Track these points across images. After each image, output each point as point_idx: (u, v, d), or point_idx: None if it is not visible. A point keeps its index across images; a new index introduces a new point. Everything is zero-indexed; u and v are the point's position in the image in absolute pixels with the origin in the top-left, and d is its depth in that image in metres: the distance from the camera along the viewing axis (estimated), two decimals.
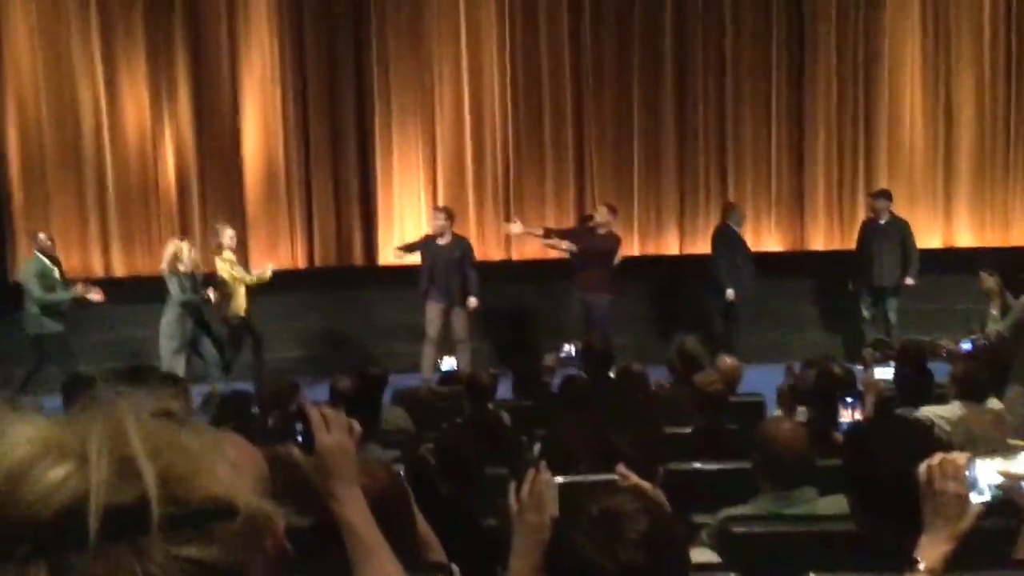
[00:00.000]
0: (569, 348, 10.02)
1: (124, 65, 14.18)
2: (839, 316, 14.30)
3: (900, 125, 15.54)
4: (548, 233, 13.43)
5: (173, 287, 11.93)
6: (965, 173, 15.59)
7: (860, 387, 7.49)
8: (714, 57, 15.43)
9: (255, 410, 7.40)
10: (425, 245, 12.97)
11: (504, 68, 15.23)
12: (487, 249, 13.73)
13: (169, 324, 11.95)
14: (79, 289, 11.87)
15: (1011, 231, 15.54)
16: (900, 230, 13.70)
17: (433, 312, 12.76)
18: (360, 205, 15.06)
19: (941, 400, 7.10)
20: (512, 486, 3.00)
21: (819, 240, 15.46)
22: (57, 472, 1.00)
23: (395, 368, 12.79)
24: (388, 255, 14.77)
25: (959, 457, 2.57)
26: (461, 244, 12.99)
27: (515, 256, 15.15)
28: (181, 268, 11.97)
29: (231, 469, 1.06)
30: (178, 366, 11.69)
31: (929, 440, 3.71)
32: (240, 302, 12.34)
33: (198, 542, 1.03)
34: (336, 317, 14.13)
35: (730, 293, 13.38)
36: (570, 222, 14.74)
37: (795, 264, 14.60)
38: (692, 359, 8.56)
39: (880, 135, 15.53)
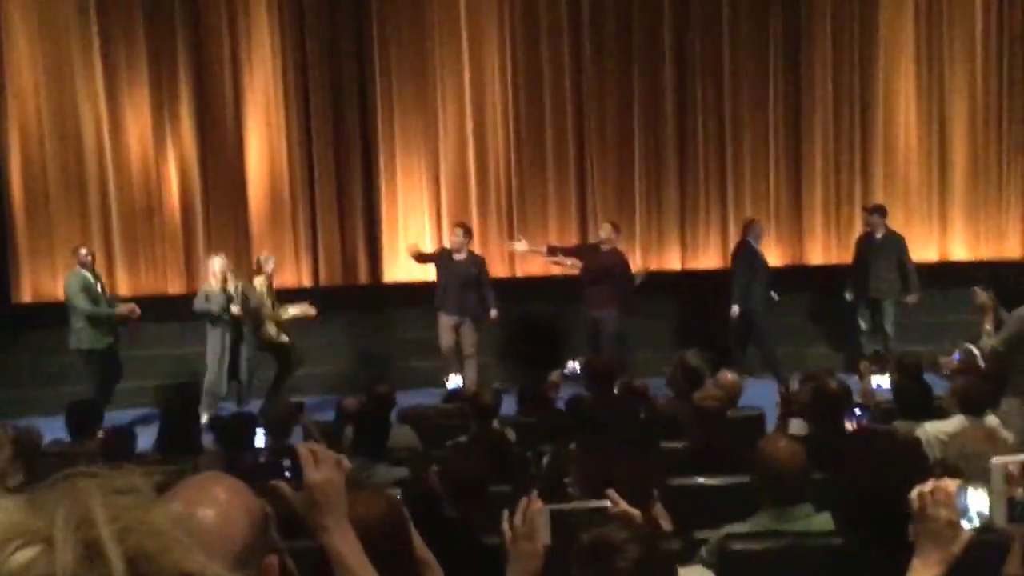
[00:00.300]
0: (574, 365, 10.02)
1: (126, 85, 14.19)
2: (837, 329, 14.33)
3: (895, 142, 15.58)
4: (552, 251, 13.50)
5: (215, 302, 12.06)
6: (959, 188, 15.62)
7: (857, 399, 7.50)
8: (713, 76, 15.47)
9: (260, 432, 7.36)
10: (441, 259, 13.12)
11: (506, 87, 15.25)
12: (491, 266, 13.71)
13: (211, 339, 12.14)
14: (122, 309, 12.05)
15: (1005, 244, 15.56)
16: (895, 245, 13.74)
17: (445, 325, 12.90)
18: (364, 224, 15.05)
19: (939, 413, 7.09)
20: (505, 514, 3.02)
21: (817, 254, 15.48)
22: (23, 556, 0.99)
23: (406, 385, 12.93)
24: (394, 273, 14.81)
25: (950, 484, 2.58)
26: (477, 261, 13.17)
27: (519, 273, 15.15)
28: (216, 284, 12.13)
29: (203, 544, 1.05)
30: (221, 382, 11.98)
31: (913, 457, 3.74)
32: (270, 328, 12.55)
33: None
34: (343, 335, 14.13)
35: (734, 310, 13.43)
36: (572, 239, 14.78)
37: (794, 278, 14.58)
38: (694, 374, 8.55)
39: (876, 152, 15.57)
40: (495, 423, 7.93)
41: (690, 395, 7.91)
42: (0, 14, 13.77)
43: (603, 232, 13.31)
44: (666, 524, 4.70)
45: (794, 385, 8.87)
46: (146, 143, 14.28)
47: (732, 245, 15.29)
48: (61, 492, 1.05)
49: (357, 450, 6.75)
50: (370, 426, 6.87)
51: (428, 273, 13.72)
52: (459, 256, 13.03)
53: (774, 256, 15.08)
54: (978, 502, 2.46)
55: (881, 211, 13.87)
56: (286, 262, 14.43)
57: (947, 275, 14.23)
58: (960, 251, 15.59)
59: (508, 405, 9.10)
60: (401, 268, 14.81)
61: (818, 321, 14.63)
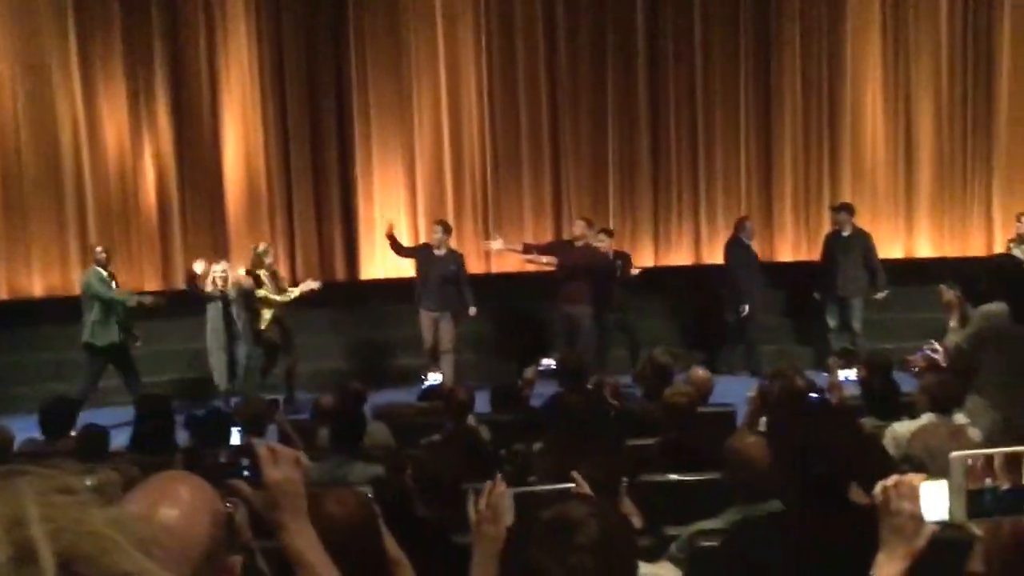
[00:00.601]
0: (548, 361, 10.00)
1: (102, 80, 14.14)
2: (806, 326, 14.35)
3: (863, 142, 15.68)
4: (528, 248, 13.53)
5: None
6: (925, 187, 15.71)
7: (824, 394, 7.50)
8: (685, 78, 15.55)
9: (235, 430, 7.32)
10: (421, 254, 13.20)
11: (481, 86, 15.28)
12: (467, 263, 13.72)
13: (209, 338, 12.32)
14: (147, 299, 12.22)
15: (969, 241, 15.64)
16: (862, 242, 13.79)
17: (428, 321, 12.95)
18: (342, 221, 15.08)
19: (908, 410, 7.09)
20: (470, 497, 3.02)
21: (787, 252, 15.53)
22: None
23: (390, 383, 12.95)
24: (371, 270, 14.78)
25: (915, 478, 2.58)
26: (456, 257, 13.24)
27: (495, 269, 15.16)
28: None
29: (165, 543, 1.02)
30: (220, 368, 12.20)
31: (852, 423, 3.81)
32: (265, 316, 12.60)
33: None
34: (323, 333, 14.09)
35: (744, 308, 13.52)
36: (548, 236, 14.82)
37: (764, 275, 14.62)
38: (662, 371, 8.55)
39: (844, 152, 15.67)
40: (471, 420, 7.92)
41: (660, 392, 7.91)
42: None
43: (577, 228, 13.36)
44: (636, 520, 4.69)
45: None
46: (123, 139, 14.23)
47: (704, 242, 15.39)
48: None
49: (334, 448, 6.73)
50: (346, 424, 6.84)
51: (404, 269, 13.74)
52: (439, 252, 13.08)
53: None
54: (939, 497, 2.47)
55: (848, 209, 13.92)
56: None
57: (913, 272, 14.27)
58: (925, 249, 15.68)
59: (485, 402, 9.10)
60: (378, 265, 14.82)
61: (787, 318, 14.68)
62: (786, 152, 15.59)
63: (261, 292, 12.49)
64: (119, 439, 7.96)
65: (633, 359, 12.86)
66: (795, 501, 3.41)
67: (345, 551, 2.70)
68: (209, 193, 14.65)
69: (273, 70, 14.76)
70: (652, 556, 4.58)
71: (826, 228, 14.57)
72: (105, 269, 12.24)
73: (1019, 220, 13.08)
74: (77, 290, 12.55)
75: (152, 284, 14.13)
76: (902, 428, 6.30)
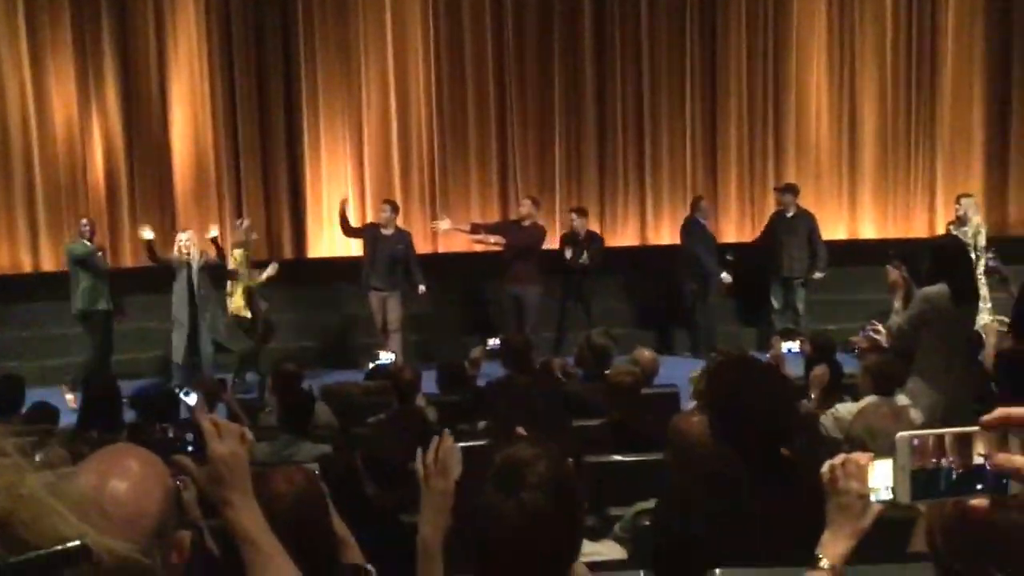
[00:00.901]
0: (495, 341, 10.02)
1: (51, 61, 14.05)
2: (750, 307, 14.42)
3: (807, 124, 15.74)
4: (475, 228, 13.53)
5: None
6: (869, 168, 15.80)
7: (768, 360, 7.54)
8: (631, 60, 15.56)
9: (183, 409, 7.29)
10: (369, 233, 13.15)
11: (429, 68, 15.25)
12: (415, 243, 13.68)
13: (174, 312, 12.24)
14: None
15: (912, 223, 15.75)
16: (806, 223, 13.85)
17: (376, 301, 12.95)
18: (289, 200, 15.05)
19: (851, 392, 7.14)
20: (418, 452, 3.05)
21: (731, 232, 15.60)
22: None
23: (335, 362, 12.93)
24: (318, 249, 14.75)
25: (861, 457, 2.61)
26: (404, 236, 13.20)
27: (442, 249, 15.16)
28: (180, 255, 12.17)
29: (116, 516, 1.01)
30: (179, 341, 12.07)
31: (781, 381, 3.91)
32: (237, 301, 12.52)
33: None
34: (274, 312, 13.98)
35: (726, 276, 13.69)
36: (495, 216, 14.81)
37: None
38: (601, 351, 8.56)
39: (788, 134, 15.74)
40: (420, 400, 7.94)
41: (600, 374, 7.96)
42: None
43: (524, 208, 13.39)
44: None
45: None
46: (71, 117, 14.16)
47: (650, 223, 15.43)
48: None
49: (281, 428, 6.73)
50: (292, 404, 6.84)
51: (353, 248, 13.70)
52: (387, 231, 13.05)
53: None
54: (885, 477, 2.50)
55: (793, 190, 13.99)
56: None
57: (856, 253, 14.37)
58: (869, 229, 15.78)
59: (431, 382, 9.11)
60: (326, 243, 14.79)
61: (731, 299, 14.75)
62: (731, 131, 15.66)
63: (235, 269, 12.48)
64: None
65: None
66: (728, 464, 3.46)
67: (292, 528, 2.71)
68: (157, 172, 14.59)
69: (221, 49, 14.68)
70: (597, 535, 4.63)
71: (771, 208, 14.66)
72: (90, 242, 12.30)
73: (957, 203, 13.16)
74: (27, 267, 12.46)
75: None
76: (844, 409, 6.32)
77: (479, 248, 13.79)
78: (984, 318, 11.04)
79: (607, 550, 4.27)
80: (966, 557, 2.05)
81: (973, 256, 10.81)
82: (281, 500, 3.03)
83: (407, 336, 13.17)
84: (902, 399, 6.50)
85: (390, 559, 3.53)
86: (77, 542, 1.02)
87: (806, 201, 14.21)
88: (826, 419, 6.44)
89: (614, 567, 4.07)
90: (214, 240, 12.35)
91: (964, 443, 1.60)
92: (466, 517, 2.38)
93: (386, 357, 10.92)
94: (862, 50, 15.68)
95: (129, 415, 7.70)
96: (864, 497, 2.57)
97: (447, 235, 14.59)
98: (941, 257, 7.27)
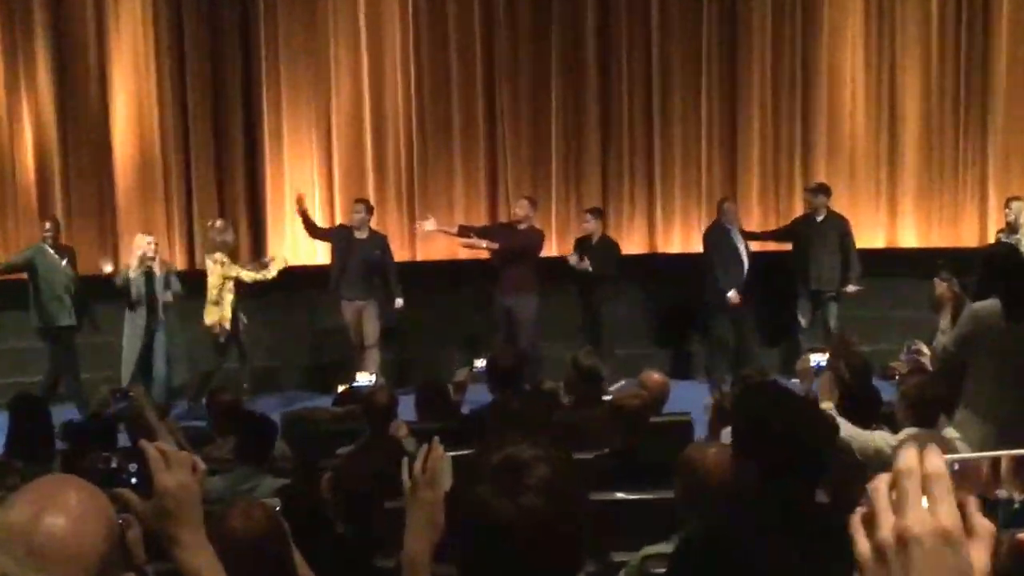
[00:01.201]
0: (483, 362, 10.02)
1: None
2: (775, 324, 14.38)
3: (840, 116, 15.66)
4: (464, 231, 13.53)
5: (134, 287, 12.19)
6: (911, 167, 15.66)
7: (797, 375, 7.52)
8: (640, 41, 15.55)
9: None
10: (339, 236, 13.16)
11: (408, 48, 15.27)
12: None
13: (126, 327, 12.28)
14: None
15: (961, 230, 15.58)
16: (838, 227, 13.77)
17: (349, 312, 12.98)
18: (247, 198, 15.09)
19: (888, 422, 7.07)
20: (405, 462, 3.09)
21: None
22: None
23: (302, 383, 12.93)
24: (281, 254, 14.70)
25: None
26: (379, 240, 13.28)
27: (421, 256, 15.16)
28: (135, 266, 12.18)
29: (50, 555, 1.02)
30: (129, 361, 12.11)
31: (811, 409, 3.93)
32: (225, 309, 12.56)
33: None
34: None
35: (732, 295, 13.44)
36: (481, 219, 14.82)
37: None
38: (589, 373, 8.54)
39: (818, 127, 15.65)
40: (401, 428, 7.94)
41: (593, 399, 7.96)
42: None
43: (520, 209, 13.38)
44: None
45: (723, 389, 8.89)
46: None
47: (660, 229, 15.42)
48: None
49: (238, 459, 6.74)
50: (250, 431, 6.86)
51: (318, 252, 13.70)
52: (360, 235, 13.08)
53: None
54: None
55: (825, 190, 13.91)
56: (157, 241, 14.20)
57: (896, 263, 14.37)
58: (910, 237, 15.67)
59: (409, 408, 9.11)
60: (289, 249, 14.77)
61: (753, 314, 14.63)
62: (753, 126, 15.64)
63: (222, 276, 12.53)
64: None
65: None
66: (754, 505, 3.49)
67: (250, 571, 2.72)
68: (96, 167, 14.61)
69: (169, 25, 14.69)
70: None
71: (798, 212, 14.64)
72: (56, 247, 12.41)
73: (1007, 207, 13.17)
74: None
75: None
76: (882, 440, 6.27)
77: (465, 254, 13.82)
78: None
79: None
80: None
81: None
82: (238, 540, 3.05)
83: (381, 354, 13.15)
84: (950, 432, 6.43)
85: None
86: None
87: (839, 204, 14.15)
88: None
89: None
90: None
91: (1020, 471, 1.63)
92: (456, 523, 2.41)
93: (363, 379, 10.92)
94: (904, 36, 15.54)
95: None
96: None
97: (429, 238, 14.58)
98: (991, 268, 7.20)
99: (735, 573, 3.37)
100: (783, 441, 3.44)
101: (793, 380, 9.20)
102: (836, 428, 5.51)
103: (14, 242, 14.10)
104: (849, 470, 6.02)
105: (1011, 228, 12.94)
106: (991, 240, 14.02)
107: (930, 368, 7.37)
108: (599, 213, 14.00)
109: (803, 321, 13.80)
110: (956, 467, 1.68)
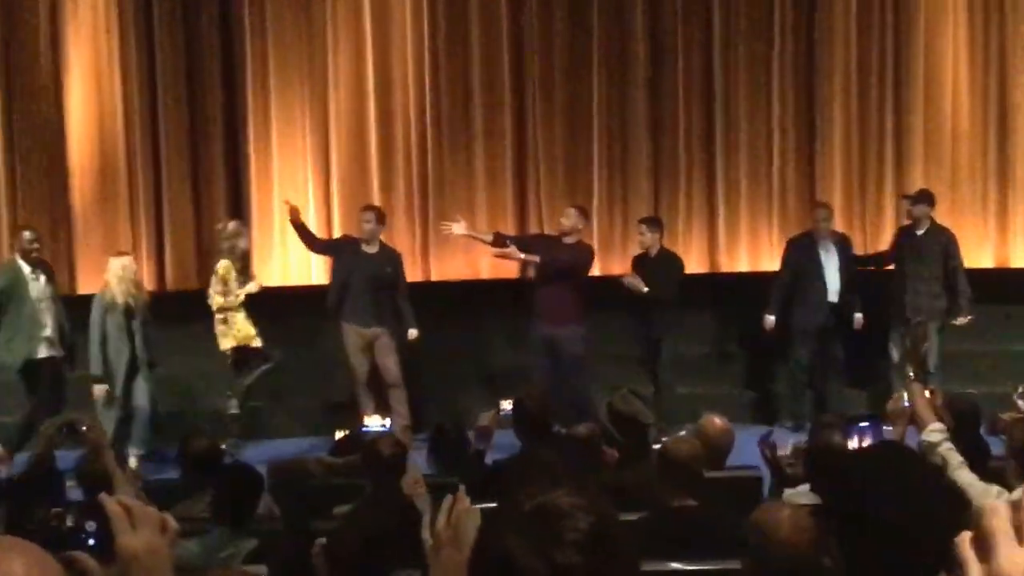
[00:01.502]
0: (510, 404, 9.97)
1: None
2: (861, 360, 14.25)
3: (939, 115, 15.51)
4: (500, 239, 13.50)
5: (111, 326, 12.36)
6: None
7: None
8: (699, 29, 15.49)
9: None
10: (344, 250, 13.21)
11: (421, 28, 15.28)
12: None
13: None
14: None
15: None
16: (942, 244, 13.66)
17: (354, 339, 12.98)
18: (228, 206, 15.05)
19: (998, 478, 7.01)
20: (426, 519, 3.09)
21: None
22: None
23: (293, 428, 12.95)
24: (268, 274, 14.67)
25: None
26: (392, 256, 13.32)
27: (436, 276, 15.12)
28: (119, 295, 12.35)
29: None
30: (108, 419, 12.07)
31: (937, 479, 3.79)
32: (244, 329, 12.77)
33: None
34: (196, 356, 13.94)
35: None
36: (507, 231, 14.72)
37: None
38: (630, 423, 8.47)
39: (913, 128, 15.51)
40: (416, 480, 7.92)
41: (639, 453, 7.90)
42: None
43: (567, 220, 13.29)
44: None
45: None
46: None
47: (722, 245, 15.36)
48: None
49: (215, 520, 6.72)
50: (227, 488, 6.83)
51: (313, 271, 13.69)
52: (369, 248, 13.09)
53: (774, 259, 14.97)
54: None
55: (927, 199, 13.76)
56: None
57: (1008, 288, 14.28)
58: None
59: (421, 457, 9.09)
60: (277, 265, 14.78)
61: (841, 348, 14.44)
62: (835, 128, 15.55)
63: (226, 298, 12.66)
64: None
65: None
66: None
67: None
68: (48, 168, 14.65)
69: (136, 8, 14.71)
70: None
71: (888, 227, 14.57)
72: (31, 262, 12.49)
73: None
74: None
75: None
76: (991, 501, 6.19)
77: (489, 272, 13.86)
78: None
79: None
80: None
81: None
82: None
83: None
84: None
85: None
86: None
87: (939, 215, 14.04)
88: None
89: None
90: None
91: None
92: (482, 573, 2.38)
93: (374, 423, 10.85)
94: (1015, 19, 15.43)
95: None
96: None
97: (448, 248, 14.67)
98: None
99: None
100: (891, 533, 3.34)
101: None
102: (968, 504, 5.42)
103: None
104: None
105: None
106: None
107: None
108: (657, 224, 13.89)
109: (895, 355, 13.67)
110: None
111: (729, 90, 15.60)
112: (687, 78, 15.57)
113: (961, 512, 3.84)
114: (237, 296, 12.70)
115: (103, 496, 2.53)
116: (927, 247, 13.63)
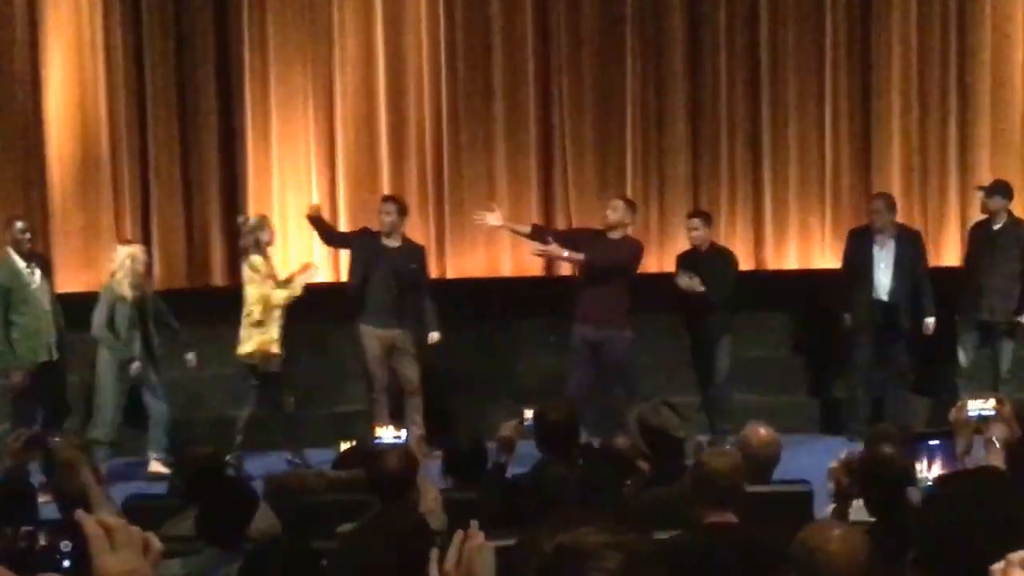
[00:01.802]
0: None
1: None
2: (930, 364, 14.26)
3: (1007, 99, 15.54)
4: (539, 232, 13.56)
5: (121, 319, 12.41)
6: None
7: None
8: (743, 10, 15.51)
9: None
10: (365, 244, 13.24)
11: (436, 4, 15.22)
12: None
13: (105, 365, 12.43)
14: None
15: None
16: (1020, 239, 13.66)
17: (374, 342, 13.00)
18: (222, 199, 15.13)
19: None
20: (434, 554, 3.04)
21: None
22: None
23: (292, 439, 12.96)
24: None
25: None
26: (416, 251, 13.44)
27: (452, 273, 15.12)
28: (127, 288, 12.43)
29: None
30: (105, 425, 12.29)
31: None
32: (272, 334, 12.74)
33: None
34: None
35: (846, 318, 13.65)
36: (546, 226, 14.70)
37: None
38: (660, 437, 8.44)
39: (980, 109, 15.51)
40: (426, 497, 7.88)
41: (674, 469, 7.86)
42: None
43: (614, 213, 13.26)
44: None
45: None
46: None
47: (769, 241, 15.35)
48: None
49: (205, 538, 6.69)
50: (215, 503, 6.80)
51: (319, 270, 13.69)
52: (391, 242, 13.16)
53: (830, 257, 14.99)
54: None
55: (1004, 190, 13.71)
56: (103, 254, 14.16)
57: None
58: None
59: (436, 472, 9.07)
60: (277, 262, 14.74)
61: (905, 352, 14.32)
62: (893, 114, 15.55)
63: (258, 291, 12.64)
64: None
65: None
66: None
67: None
68: (22, 150, 14.68)
69: None
70: None
71: (953, 219, 14.56)
72: (26, 255, 12.53)
73: None
74: None
75: None
76: None
77: (511, 269, 13.87)
78: None
79: None
80: None
81: None
82: None
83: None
84: None
85: None
86: None
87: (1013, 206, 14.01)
88: None
89: None
90: None
91: None
92: None
93: (388, 434, 10.82)
94: None
95: None
96: None
97: (463, 242, 14.81)
98: None
99: None
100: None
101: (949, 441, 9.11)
102: None
103: None
104: None
105: None
106: None
107: None
108: (709, 219, 13.95)
109: (963, 360, 13.65)
110: None
111: (777, 72, 15.59)
112: (730, 59, 15.59)
113: None
114: (295, 290, 12.73)
115: (80, 514, 2.50)
116: (1004, 242, 13.62)
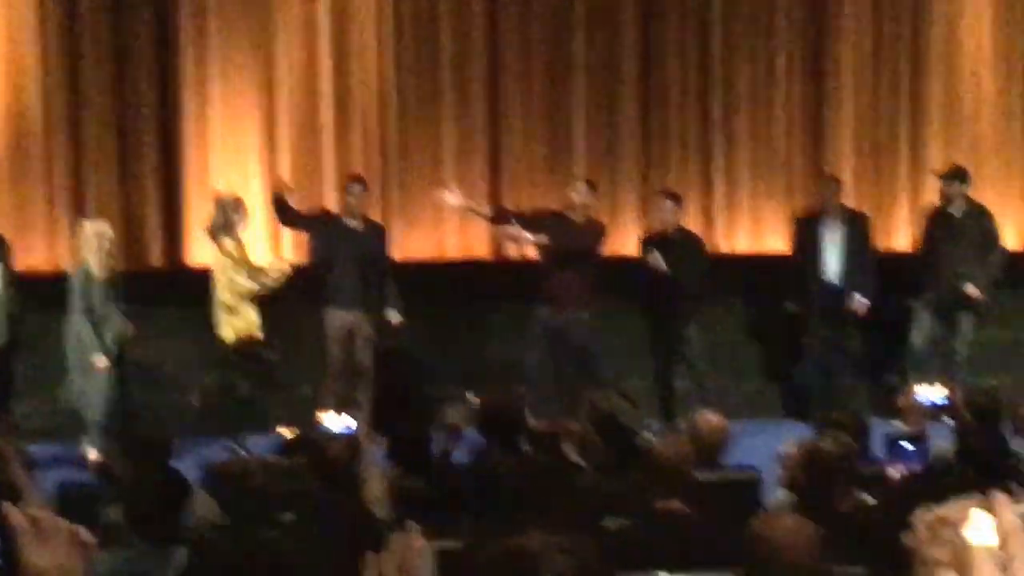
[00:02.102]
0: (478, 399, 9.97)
1: None
2: (878, 347, 14.38)
3: (959, 76, 15.68)
4: (501, 215, 13.62)
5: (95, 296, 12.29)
6: None
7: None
8: None
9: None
10: (326, 225, 13.32)
11: None
12: None
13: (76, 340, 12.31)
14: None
15: None
16: (981, 226, 13.80)
17: (336, 324, 13.04)
18: (158, 178, 15.04)
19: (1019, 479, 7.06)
20: (369, 558, 3.03)
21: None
22: None
23: (238, 425, 12.93)
24: (200, 254, 14.59)
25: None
26: (378, 232, 13.49)
27: (402, 254, 15.09)
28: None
29: None
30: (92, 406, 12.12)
31: None
32: (248, 318, 12.74)
33: None
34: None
35: (789, 306, 13.72)
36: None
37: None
38: (610, 423, 8.48)
39: (930, 93, 15.67)
40: (371, 484, 7.89)
41: (623, 456, 7.90)
42: None
43: (576, 194, 13.41)
44: None
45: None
46: None
47: (719, 222, 15.43)
48: None
49: (135, 530, 6.69)
50: (145, 491, 6.78)
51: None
52: (353, 223, 13.19)
53: (780, 239, 15.08)
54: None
55: (962, 176, 13.87)
56: (35, 235, 14.33)
57: None
58: None
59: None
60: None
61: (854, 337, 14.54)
62: (845, 93, 15.67)
63: (226, 276, 12.61)
64: None
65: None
66: None
67: None
68: None
69: None
70: None
71: (903, 204, 14.65)
72: None
73: None
74: None
75: None
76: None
77: (459, 251, 13.88)
78: None
79: None
80: None
81: None
82: None
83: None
84: None
85: None
86: None
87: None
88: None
89: None
90: None
91: None
92: None
93: (336, 422, 10.82)
94: None
95: None
96: None
97: (408, 223, 14.76)
98: None
99: None
100: None
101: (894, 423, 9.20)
102: None
103: None
104: None
105: None
106: None
107: None
108: (678, 199, 13.94)
109: (917, 340, 13.76)
110: None
111: (728, 45, 15.68)
112: (680, 33, 15.64)
113: None
114: (275, 279, 12.71)
115: (7, 507, 2.50)
116: (966, 230, 13.76)
